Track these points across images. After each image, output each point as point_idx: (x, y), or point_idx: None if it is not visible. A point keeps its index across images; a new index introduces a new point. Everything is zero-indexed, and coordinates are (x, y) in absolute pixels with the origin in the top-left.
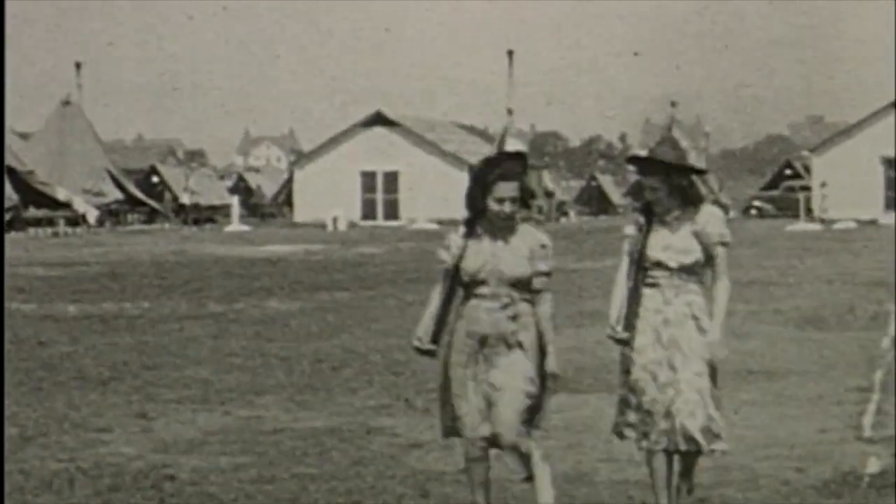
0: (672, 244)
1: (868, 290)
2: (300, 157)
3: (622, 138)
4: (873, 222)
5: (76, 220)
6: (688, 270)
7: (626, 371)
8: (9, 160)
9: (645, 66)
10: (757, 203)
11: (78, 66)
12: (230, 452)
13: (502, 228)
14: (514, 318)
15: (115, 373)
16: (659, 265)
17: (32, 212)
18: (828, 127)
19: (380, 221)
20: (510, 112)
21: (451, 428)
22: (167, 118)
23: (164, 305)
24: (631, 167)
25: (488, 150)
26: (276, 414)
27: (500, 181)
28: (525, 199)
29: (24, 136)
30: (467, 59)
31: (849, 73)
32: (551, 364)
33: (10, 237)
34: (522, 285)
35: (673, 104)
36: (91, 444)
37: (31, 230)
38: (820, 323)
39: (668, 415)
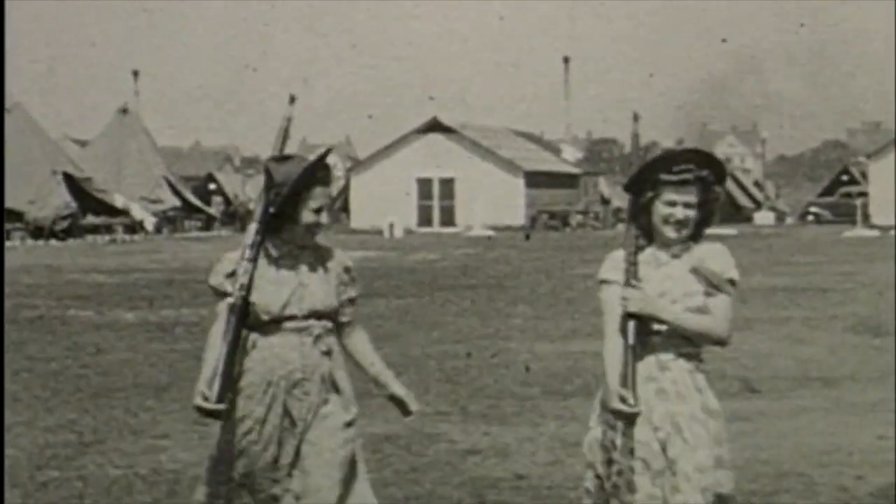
0: (669, 288)
1: None
2: (356, 164)
3: (679, 144)
4: None
5: (134, 227)
6: None
7: (608, 461)
8: (67, 167)
9: (699, 73)
10: (814, 209)
11: (136, 73)
12: None
13: (305, 248)
14: (327, 353)
15: (173, 379)
16: (652, 318)
17: (90, 219)
18: (885, 133)
19: (436, 228)
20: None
21: None
22: (224, 125)
23: None
24: (671, 175)
25: (546, 156)
26: None
27: (320, 185)
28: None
29: (82, 144)
30: (524, 65)
31: None
32: (398, 388)
33: (69, 244)
34: (330, 317)
35: (636, 118)
36: (149, 450)
37: (90, 237)
38: (877, 329)
39: None
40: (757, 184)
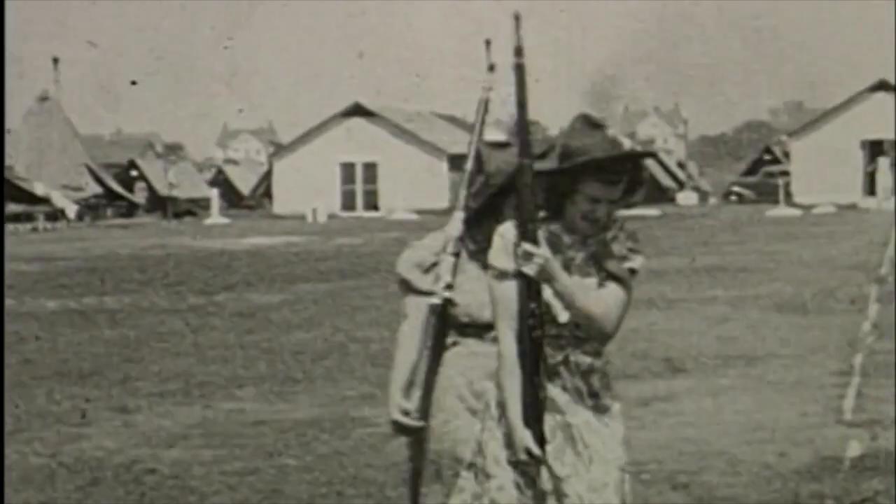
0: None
1: (848, 274)
2: (279, 149)
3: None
4: (852, 206)
5: (55, 215)
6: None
7: (486, 474)
8: None
9: (625, 52)
10: (737, 189)
11: (55, 61)
12: (211, 445)
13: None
14: None
15: (96, 367)
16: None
17: (11, 207)
18: (807, 112)
19: (360, 212)
20: None
21: None
22: (145, 112)
23: (144, 299)
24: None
25: (467, 139)
26: (257, 406)
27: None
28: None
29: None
30: (445, 48)
31: (827, 57)
32: None
33: None
34: None
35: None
36: (72, 438)
37: (10, 225)
38: (800, 307)
39: None
40: (680, 164)
